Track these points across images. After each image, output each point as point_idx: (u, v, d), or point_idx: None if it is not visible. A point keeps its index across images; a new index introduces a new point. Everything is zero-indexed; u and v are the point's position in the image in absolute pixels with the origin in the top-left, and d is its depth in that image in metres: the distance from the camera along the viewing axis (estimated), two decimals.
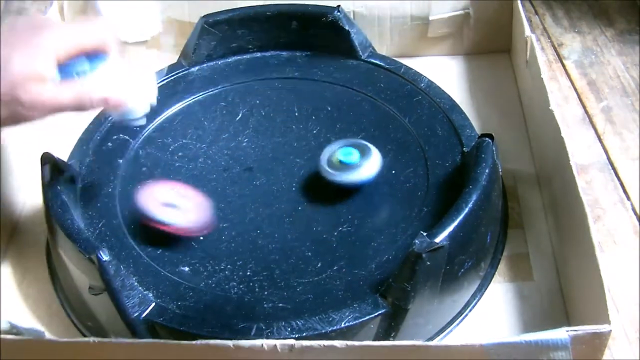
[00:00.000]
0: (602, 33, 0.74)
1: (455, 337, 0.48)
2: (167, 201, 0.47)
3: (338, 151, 0.52)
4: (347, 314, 0.43)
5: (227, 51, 0.64)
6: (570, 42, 0.73)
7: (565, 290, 0.49)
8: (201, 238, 0.50)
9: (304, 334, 0.42)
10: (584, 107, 0.65)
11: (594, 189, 0.58)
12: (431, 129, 0.56)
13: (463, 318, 0.48)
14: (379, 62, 0.62)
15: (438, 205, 0.50)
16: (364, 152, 0.51)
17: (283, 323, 0.43)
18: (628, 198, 0.57)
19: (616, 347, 0.47)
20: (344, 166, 0.51)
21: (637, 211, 0.56)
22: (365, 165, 0.51)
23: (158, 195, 0.48)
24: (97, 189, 0.53)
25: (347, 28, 0.62)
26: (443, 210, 0.46)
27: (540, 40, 0.74)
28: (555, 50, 0.72)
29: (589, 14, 0.77)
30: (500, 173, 0.52)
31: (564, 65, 0.70)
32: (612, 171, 0.59)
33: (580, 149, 0.61)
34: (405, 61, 0.63)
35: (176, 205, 0.47)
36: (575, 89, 0.67)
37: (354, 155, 0.51)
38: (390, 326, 0.44)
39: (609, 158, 0.60)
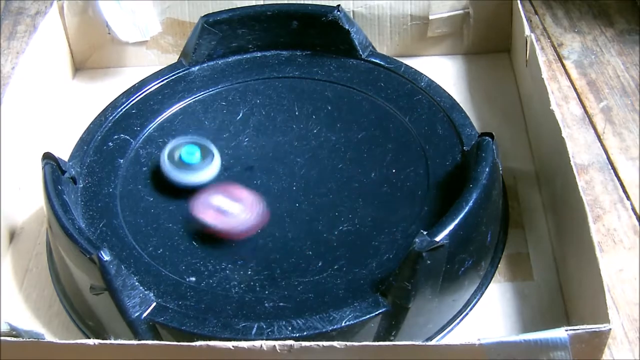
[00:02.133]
0: (602, 33, 0.74)
1: (455, 336, 0.48)
2: (218, 206, 0.48)
3: (181, 149, 0.53)
4: (347, 312, 0.43)
5: (228, 51, 0.64)
6: (570, 42, 0.73)
7: (565, 290, 0.49)
8: (199, 238, 0.50)
9: (305, 333, 0.42)
10: (584, 107, 0.66)
11: (593, 188, 0.58)
12: (431, 128, 0.56)
13: (463, 317, 0.48)
14: (379, 62, 0.62)
15: (438, 204, 0.50)
16: (205, 153, 0.53)
17: (284, 322, 0.43)
18: (628, 198, 0.57)
19: (616, 347, 0.47)
20: (184, 165, 0.52)
21: (637, 211, 0.56)
22: (206, 167, 0.52)
23: (210, 201, 0.48)
24: (97, 189, 0.53)
25: (347, 27, 0.62)
26: (443, 209, 0.46)
27: (540, 40, 0.74)
28: (555, 50, 0.72)
29: (589, 14, 0.77)
30: (501, 172, 0.52)
31: (563, 65, 0.70)
32: (612, 171, 0.59)
33: (580, 148, 0.61)
34: (405, 61, 0.63)
35: (226, 210, 0.48)
36: (575, 89, 0.68)
37: (195, 156, 0.52)
38: (391, 325, 0.44)
39: (608, 158, 0.60)
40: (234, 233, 0.48)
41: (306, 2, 0.65)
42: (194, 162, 0.52)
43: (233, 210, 0.48)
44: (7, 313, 0.51)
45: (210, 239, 0.50)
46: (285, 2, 0.65)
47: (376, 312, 0.43)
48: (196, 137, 0.55)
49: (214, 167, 0.53)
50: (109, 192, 0.53)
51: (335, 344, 0.38)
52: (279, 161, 0.55)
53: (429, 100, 0.58)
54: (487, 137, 0.50)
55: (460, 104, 0.58)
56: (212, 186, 0.51)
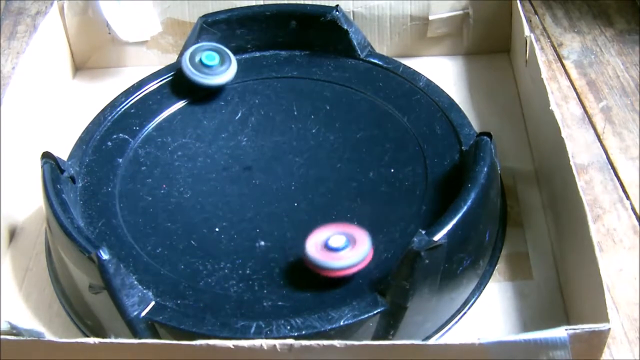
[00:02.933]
0: (602, 33, 0.74)
1: (454, 335, 0.48)
2: (330, 245, 0.45)
3: (202, 54, 0.59)
4: (346, 312, 0.43)
5: None
6: (570, 42, 0.73)
7: (565, 289, 0.49)
8: (198, 237, 0.50)
9: (303, 332, 0.42)
10: (584, 107, 0.66)
11: (593, 188, 0.58)
12: (430, 127, 0.56)
13: (462, 316, 0.48)
14: (377, 62, 0.62)
15: (437, 204, 0.50)
16: (223, 58, 0.60)
17: (282, 321, 0.43)
18: (627, 198, 0.57)
19: (616, 347, 0.47)
20: (206, 68, 0.59)
21: (637, 211, 0.56)
22: (226, 70, 0.59)
23: (320, 240, 0.46)
24: (96, 188, 0.54)
25: (345, 27, 0.62)
26: (442, 209, 0.46)
27: (540, 41, 0.74)
28: (555, 50, 0.73)
29: (588, 14, 0.77)
30: (499, 171, 0.52)
31: (563, 65, 0.70)
32: (611, 171, 0.59)
33: (579, 148, 0.61)
34: (405, 61, 0.63)
35: (338, 247, 0.45)
36: (575, 89, 0.68)
37: (215, 60, 0.59)
38: (389, 324, 0.44)
39: (608, 158, 0.60)
40: (336, 272, 0.45)
41: (305, 2, 0.65)
42: (214, 65, 0.59)
43: (340, 247, 0.45)
44: (7, 312, 0.51)
45: (209, 238, 0.50)
46: (284, 2, 0.65)
47: (374, 312, 0.43)
48: (213, 44, 0.61)
49: (232, 69, 0.60)
50: (107, 191, 0.53)
51: (335, 343, 0.38)
52: (278, 161, 0.55)
53: (427, 100, 0.58)
54: (485, 137, 0.50)
55: (460, 104, 0.58)
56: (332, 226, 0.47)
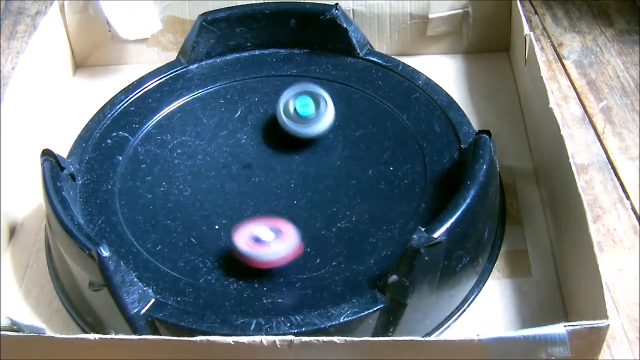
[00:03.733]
0: (602, 33, 0.74)
1: (454, 332, 0.48)
2: (256, 236, 0.47)
3: (294, 101, 0.55)
4: (345, 309, 0.43)
5: (226, 49, 0.64)
6: (570, 42, 0.73)
7: (564, 286, 0.49)
8: (198, 235, 0.50)
9: (303, 329, 0.43)
10: (584, 106, 0.66)
11: (593, 188, 0.58)
12: (429, 125, 0.56)
13: (461, 313, 0.48)
14: (376, 60, 0.62)
15: (436, 201, 0.50)
16: (319, 104, 0.55)
17: (282, 318, 0.43)
18: (628, 198, 0.57)
19: (616, 346, 0.47)
20: (300, 118, 0.55)
21: (637, 211, 0.56)
22: (322, 118, 0.55)
23: (249, 231, 0.47)
24: (96, 186, 0.54)
25: (344, 26, 0.62)
26: (441, 206, 0.46)
27: (540, 40, 0.74)
28: (555, 50, 0.73)
29: (588, 14, 0.77)
30: (498, 169, 0.52)
31: (563, 65, 0.71)
32: (611, 171, 0.59)
33: (579, 148, 0.61)
34: (405, 60, 0.63)
35: (264, 240, 0.47)
36: (575, 89, 0.68)
37: (310, 107, 0.55)
38: (389, 321, 0.44)
39: (608, 158, 0.60)
40: (263, 262, 0.47)
41: (304, 0, 0.65)
42: (310, 115, 0.55)
43: (267, 238, 0.47)
44: (8, 310, 0.51)
45: (209, 235, 0.50)
46: (284, 0, 0.65)
47: (374, 309, 0.44)
48: (306, 86, 0.57)
49: (328, 116, 0.55)
50: (107, 189, 0.53)
51: (334, 339, 0.38)
52: (277, 158, 0.55)
53: (426, 99, 0.58)
54: (484, 135, 0.50)
55: (460, 103, 0.58)
56: (258, 219, 0.49)
